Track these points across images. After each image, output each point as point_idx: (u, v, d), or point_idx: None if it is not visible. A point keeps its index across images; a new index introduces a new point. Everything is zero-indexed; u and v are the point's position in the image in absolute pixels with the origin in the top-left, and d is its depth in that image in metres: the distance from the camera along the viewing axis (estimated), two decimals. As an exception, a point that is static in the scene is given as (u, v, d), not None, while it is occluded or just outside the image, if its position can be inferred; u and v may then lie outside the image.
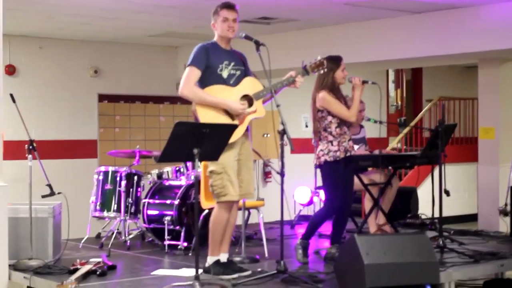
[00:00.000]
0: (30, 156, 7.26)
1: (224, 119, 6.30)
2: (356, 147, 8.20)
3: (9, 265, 6.99)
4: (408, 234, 7.50)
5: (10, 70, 11.66)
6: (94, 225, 9.05)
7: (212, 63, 6.35)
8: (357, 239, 5.91)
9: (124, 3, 9.18)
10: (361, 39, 10.65)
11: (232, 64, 6.45)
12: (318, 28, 11.00)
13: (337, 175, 7.27)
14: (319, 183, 8.88)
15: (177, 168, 8.77)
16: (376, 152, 9.00)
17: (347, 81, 7.52)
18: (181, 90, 6.36)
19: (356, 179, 8.27)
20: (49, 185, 7.26)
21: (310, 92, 7.42)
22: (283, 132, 6.34)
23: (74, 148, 12.21)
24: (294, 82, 6.55)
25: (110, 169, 8.74)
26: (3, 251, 6.85)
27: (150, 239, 8.66)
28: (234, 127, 6.15)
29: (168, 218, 8.21)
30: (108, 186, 8.65)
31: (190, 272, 6.45)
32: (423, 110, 15.50)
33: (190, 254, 7.81)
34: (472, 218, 12.17)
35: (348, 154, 7.31)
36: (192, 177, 8.45)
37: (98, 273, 6.63)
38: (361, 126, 9.10)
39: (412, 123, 14.41)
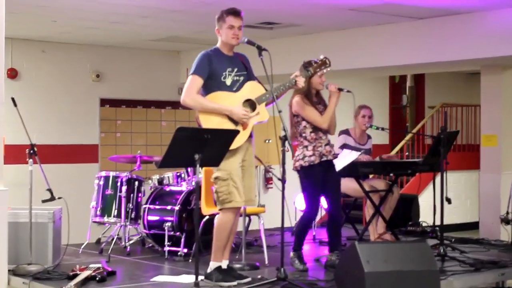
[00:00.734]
0: (30, 160, 7.23)
1: (228, 125, 6.27)
2: (356, 154, 8.16)
3: (8, 270, 6.95)
4: (409, 242, 7.47)
5: (12, 73, 11.64)
6: (94, 231, 9.02)
7: (215, 71, 6.33)
8: (358, 247, 5.88)
9: (126, 8, 9.17)
10: (364, 44, 10.63)
11: (235, 70, 6.42)
12: (321, 33, 10.99)
13: (312, 180, 7.23)
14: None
15: (178, 174, 8.75)
16: (377, 159, 9.01)
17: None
18: (183, 99, 6.33)
19: (357, 186, 8.27)
20: (50, 190, 7.23)
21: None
22: (284, 138, 6.31)
23: (75, 152, 12.19)
24: (296, 83, 6.53)
25: (111, 174, 8.72)
26: (3, 256, 6.83)
27: (150, 245, 8.64)
28: (236, 132, 6.12)
29: (168, 224, 8.18)
30: (109, 191, 8.62)
31: (190, 278, 6.41)
32: (426, 117, 15.49)
33: (190, 260, 7.78)
34: (474, 226, 12.14)
35: (324, 159, 7.24)
36: (193, 183, 8.43)
37: (97, 279, 6.60)
38: (369, 137, 9.06)
39: (414, 130, 14.39)
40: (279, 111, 6.24)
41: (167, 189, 8.72)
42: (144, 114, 12.91)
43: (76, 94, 12.26)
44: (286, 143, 6.31)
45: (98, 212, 8.63)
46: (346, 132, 8.71)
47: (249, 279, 6.48)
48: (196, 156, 5.83)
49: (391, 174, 8.72)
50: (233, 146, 6.16)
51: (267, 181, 13.33)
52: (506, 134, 10.47)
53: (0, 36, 6.68)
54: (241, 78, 6.44)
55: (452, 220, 13.56)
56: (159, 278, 6.89)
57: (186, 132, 5.88)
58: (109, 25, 10.38)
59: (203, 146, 5.84)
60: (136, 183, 8.67)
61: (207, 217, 7.78)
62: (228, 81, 6.38)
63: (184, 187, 8.59)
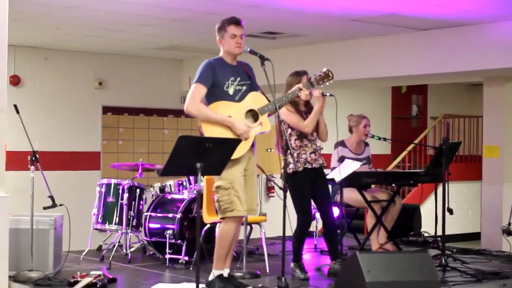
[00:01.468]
0: (32, 167, 7.24)
1: (230, 135, 6.27)
2: (358, 164, 8.16)
3: (9, 277, 6.93)
4: (410, 252, 7.46)
5: (15, 80, 11.67)
6: (96, 238, 9.02)
7: (218, 80, 6.33)
8: (359, 257, 5.87)
9: (129, 17, 9.19)
10: (366, 55, 10.65)
11: (238, 79, 6.42)
12: (323, 43, 11.01)
13: (297, 187, 7.23)
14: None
15: (180, 182, 8.75)
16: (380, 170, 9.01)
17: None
18: (187, 107, 6.34)
19: (359, 196, 8.26)
20: (51, 197, 7.23)
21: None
22: (286, 147, 6.32)
23: (77, 160, 12.20)
24: (299, 96, 6.56)
25: (113, 181, 8.72)
26: (3, 262, 6.80)
27: (151, 252, 8.63)
28: (238, 141, 6.11)
29: (169, 231, 8.18)
30: (110, 199, 8.63)
31: (191, 286, 6.42)
32: (428, 128, 15.49)
33: (191, 268, 7.78)
34: (475, 236, 12.13)
35: (309, 166, 7.23)
36: (195, 191, 8.43)
37: (98, 286, 6.59)
38: (366, 144, 9.06)
39: (416, 141, 14.39)
40: (281, 121, 6.26)
41: (169, 197, 8.72)
42: (146, 122, 12.92)
43: (78, 101, 12.28)
44: (288, 152, 6.31)
45: (99, 219, 8.63)
46: (341, 143, 8.69)
47: (250, 288, 6.48)
48: (198, 165, 5.81)
49: (393, 185, 8.73)
50: (235, 155, 6.16)
51: (269, 190, 13.33)
52: (508, 145, 10.47)
53: (3, 43, 6.69)
54: (244, 88, 6.45)
55: (454, 231, 13.55)
56: (160, 286, 6.87)
57: (188, 141, 5.87)
58: (112, 33, 10.40)
59: (205, 155, 5.83)
60: (138, 190, 8.68)
61: (208, 225, 7.78)
62: (231, 91, 6.38)
63: (185, 195, 8.58)
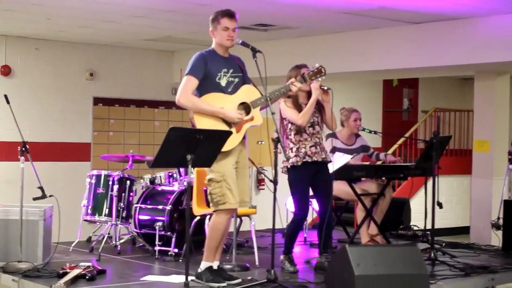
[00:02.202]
0: (22, 158, 7.22)
1: (222, 127, 6.27)
2: (349, 157, 8.18)
3: (-2, 267, 6.96)
4: (399, 246, 7.47)
5: (6, 70, 11.63)
6: (85, 229, 9.02)
7: (210, 72, 6.33)
8: (348, 250, 5.88)
9: (121, 7, 9.16)
10: (358, 48, 10.64)
11: (231, 71, 6.42)
12: (316, 36, 11.00)
13: (297, 181, 7.25)
14: (312, 192, 8.87)
15: (170, 174, 8.75)
16: (382, 154, 9.04)
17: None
18: (178, 99, 6.33)
19: (349, 189, 8.27)
20: (41, 188, 7.22)
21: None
22: (277, 140, 6.32)
23: (67, 151, 12.17)
24: (290, 89, 6.56)
25: (103, 173, 8.72)
26: (-7, 252, 6.82)
27: (141, 244, 8.63)
28: (228, 133, 6.12)
29: (159, 223, 8.18)
30: (100, 190, 8.62)
31: (180, 278, 6.42)
32: (419, 121, 15.52)
33: (180, 260, 7.78)
34: (465, 230, 12.16)
35: (308, 160, 7.23)
36: (185, 183, 8.42)
37: (87, 277, 6.58)
38: (357, 136, 9.06)
39: (407, 134, 14.41)
40: (272, 113, 6.25)
41: (159, 188, 8.72)
42: (137, 114, 12.90)
43: (69, 92, 12.24)
44: (279, 145, 6.32)
45: (89, 211, 8.62)
46: (333, 135, 8.70)
47: (239, 280, 6.47)
48: (188, 157, 5.83)
49: (383, 178, 8.74)
50: (226, 148, 6.17)
51: (259, 182, 13.34)
52: (498, 140, 10.48)
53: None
54: (236, 80, 6.45)
55: (443, 225, 13.57)
56: (149, 278, 6.88)
57: (179, 132, 5.88)
58: (103, 24, 10.37)
59: (196, 147, 5.84)
60: (128, 182, 8.68)
61: (198, 217, 7.78)
62: (223, 82, 6.38)
63: (176, 187, 8.58)
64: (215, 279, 6.35)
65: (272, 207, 6.34)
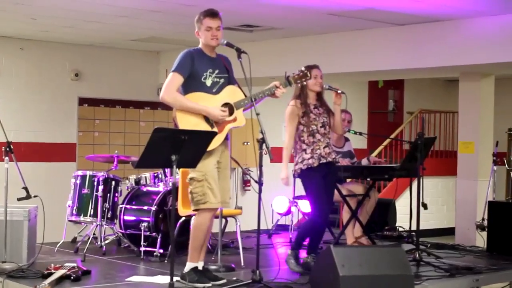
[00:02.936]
0: (6, 158, 7.20)
1: (204, 126, 6.28)
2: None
3: (-18, 268, 6.92)
4: (384, 247, 7.49)
5: (-10, 70, 11.59)
6: (70, 229, 9.00)
7: (196, 71, 6.33)
8: (333, 250, 5.90)
9: (106, 7, 9.14)
10: (343, 49, 10.65)
11: (216, 72, 6.43)
12: (301, 37, 11.00)
13: (312, 182, 7.22)
14: (298, 192, 8.89)
15: (155, 174, 8.74)
16: (364, 159, 9.04)
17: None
18: (162, 96, 6.33)
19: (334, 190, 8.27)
20: (25, 188, 7.19)
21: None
22: (262, 141, 6.33)
23: (52, 151, 12.13)
24: (274, 93, 6.53)
25: (88, 173, 8.70)
26: (-23, 253, 6.79)
27: (126, 245, 8.62)
28: (213, 134, 6.12)
29: (144, 224, 8.17)
30: (85, 191, 8.60)
31: (165, 279, 6.41)
32: (404, 123, 15.55)
33: (165, 261, 7.77)
34: (450, 231, 12.19)
35: (323, 161, 7.24)
36: (170, 184, 8.41)
37: (72, 278, 6.57)
38: (346, 139, 9.08)
39: (393, 135, 14.44)
40: (257, 114, 6.25)
41: (144, 189, 8.71)
42: (123, 114, 12.87)
43: (54, 92, 12.20)
44: (264, 145, 6.32)
45: (74, 211, 8.61)
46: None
47: (224, 281, 6.47)
48: (173, 157, 5.82)
49: (368, 179, 8.75)
50: (208, 148, 6.16)
51: (245, 183, 13.33)
52: (483, 141, 10.51)
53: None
54: (222, 80, 6.45)
55: (429, 226, 13.62)
56: (134, 278, 6.87)
57: (163, 133, 5.87)
58: (88, 24, 10.34)
59: (180, 147, 5.83)
60: (113, 182, 8.66)
61: (183, 218, 7.77)
62: (209, 82, 6.38)
63: (161, 187, 8.58)
64: (200, 280, 6.35)
65: (257, 208, 6.35)
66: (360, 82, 15.69)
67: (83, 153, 11.84)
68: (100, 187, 8.51)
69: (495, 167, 10.04)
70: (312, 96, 7.37)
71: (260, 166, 6.39)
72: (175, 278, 5.94)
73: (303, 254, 7.46)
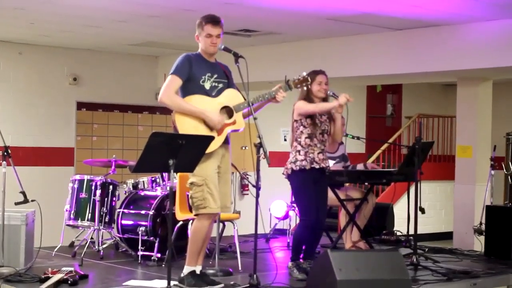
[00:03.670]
0: (4, 162, 7.20)
1: (203, 129, 6.28)
2: (331, 162, 8.19)
3: (-20, 272, 6.92)
4: (381, 251, 7.48)
5: (-12, 75, 11.58)
6: (68, 234, 9.00)
7: (194, 74, 6.34)
8: (331, 255, 5.90)
9: (105, 12, 9.14)
10: (342, 54, 10.66)
11: (215, 76, 6.44)
12: (299, 42, 11.01)
13: (305, 186, 7.20)
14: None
15: (153, 179, 8.74)
16: (360, 165, 9.04)
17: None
18: (161, 97, 6.34)
19: (332, 194, 8.28)
20: (23, 192, 7.20)
21: (291, 106, 7.40)
22: (259, 145, 6.33)
23: (50, 155, 12.12)
24: (275, 97, 6.51)
25: (86, 177, 8.70)
26: (-26, 257, 6.79)
27: (124, 249, 8.62)
28: (211, 138, 6.12)
29: (142, 228, 8.18)
30: (83, 195, 8.60)
31: (162, 283, 6.40)
32: (402, 127, 15.55)
33: (163, 265, 7.77)
34: (448, 236, 12.18)
35: (316, 166, 7.20)
36: (168, 188, 8.41)
37: (69, 282, 6.57)
38: (340, 143, 9.08)
39: (390, 140, 14.43)
40: (255, 119, 6.25)
41: (142, 193, 8.72)
42: (121, 119, 12.87)
43: (52, 97, 12.20)
44: (261, 150, 6.32)
45: (72, 216, 8.60)
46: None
47: (221, 285, 6.49)
48: (171, 162, 5.82)
49: (366, 183, 8.76)
50: (207, 150, 6.15)
51: (243, 187, 13.33)
52: (480, 145, 10.52)
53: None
54: (221, 85, 6.46)
55: (427, 230, 13.62)
56: (132, 283, 6.87)
57: (161, 137, 5.87)
58: (87, 29, 10.34)
59: (178, 152, 5.83)
60: (111, 187, 8.66)
61: (181, 222, 7.77)
62: (207, 86, 6.39)
63: (158, 192, 8.58)
64: (197, 284, 6.36)
65: (255, 212, 6.35)
66: (358, 87, 15.69)
67: (81, 157, 11.84)
68: (98, 191, 8.52)
69: (492, 172, 10.05)
70: (317, 101, 7.36)
71: (258, 170, 6.39)
72: (172, 282, 5.95)
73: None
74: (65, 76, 12.32)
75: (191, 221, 7.31)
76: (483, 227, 9.14)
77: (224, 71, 6.56)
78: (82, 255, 8.05)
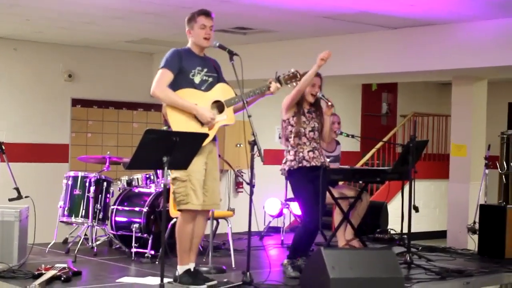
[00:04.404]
0: (-2, 158, 7.20)
1: (194, 124, 6.27)
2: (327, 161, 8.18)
3: (-27, 268, 6.91)
4: (375, 250, 7.51)
5: (-17, 71, 11.57)
6: (62, 230, 8.99)
7: (184, 68, 6.34)
8: (324, 253, 5.90)
9: (100, 9, 9.14)
10: (337, 52, 10.55)
11: (205, 70, 6.43)
12: (295, 40, 11.01)
13: (299, 185, 7.18)
14: (290, 194, 8.88)
15: (147, 175, 8.74)
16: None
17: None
18: (153, 90, 6.34)
19: (326, 193, 8.28)
20: (17, 189, 7.19)
21: (285, 104, 7.39)
22: (253, 143, 6.33)
23: (45, 152, 12.12)
24: (269, 88, 6.51)
25: (80, 174, 8.69)
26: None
27: (118, 246, 8.61)
28: (205, 136, 6.11)
29: (136, 225, 8.17)
30: (77, 191, 8.59)
31: (156, 280, 6.41)
32: (397, 126, 15.57)
33: (156, 262, 7.77)
34: (442, 234, 12.21)
35: (306, 164, 7.15)
36: (162, 185, 8.41)
37: (62, 279, 6.56)
38: (337, 143, 9.09)
39: (385, 138, 14.45)
40: (249, 116, 6.25)
41: (136, 190, 8.71)
42: (116, 115, 12.86)
43: (47, 93, 12.19)
44: (255, 147, 6.32)
45: (65, 212, 8.59)
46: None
47: (215, 282, 6.47)
48: (165, 159, 5.81)
49: (360, 182, 8.76)
50: (199, 148, 6.14)
51: (237, 185, 13.32)
52: (475, 144, 10.54)
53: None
54: (210, 79, 6.45)
55: (421, 228, 13.64)
56: (125, 280, 6.87)
57: (155, 135, 5.86)
58: (82, 25, 10.33)
59: (172, 149, 5.82)
60: (105, 183, 8.66)
61: (174, 219, 7.75)
62: (197, 79, 6.38)
63: (152, 189, 8.58)
64: (195, 282, 6.33)
65: (248, 210, 6.35)
66: (354, 85, 15.71)
67: (75, 154, 11.82)
68: (92, 188, 8.51)
69: (487, 171, 10.06)
70: (307, 103, 7.33)
71: (252, 168, 6.39)
72: (165, 280, 5.94)
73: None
74: (60, 72, 12.32)
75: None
76: (477, 226, 9.16)
77: (213, 65, 6.55)
78: (76, 252, 8.04)
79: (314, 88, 7.30)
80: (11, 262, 7.18)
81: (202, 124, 6.29)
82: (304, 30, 10.36)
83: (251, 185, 6.33)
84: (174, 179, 6.29)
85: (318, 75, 7.34)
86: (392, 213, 10.74)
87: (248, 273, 6.38)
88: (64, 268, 6.72)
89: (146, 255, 8.00)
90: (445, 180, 11.56)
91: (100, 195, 8.58)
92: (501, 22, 9.09)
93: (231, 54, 6.41)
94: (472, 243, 9.48)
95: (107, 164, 8.90)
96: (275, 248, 9.38)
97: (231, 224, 7.96)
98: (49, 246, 8.50)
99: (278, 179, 7.48)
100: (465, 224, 9.94)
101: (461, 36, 9.49)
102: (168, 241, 7.34)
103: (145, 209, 8.25)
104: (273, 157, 8.13)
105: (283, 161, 7.26)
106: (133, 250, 8.08)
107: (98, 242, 8.53)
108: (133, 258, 8.02)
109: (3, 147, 7.27)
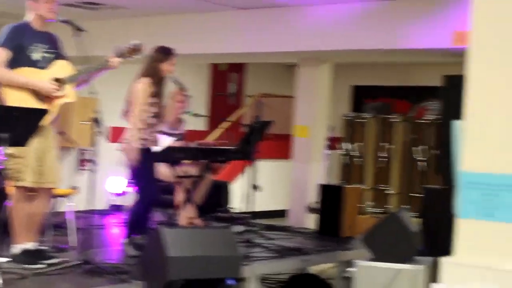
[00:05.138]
0: None
1: (33, 102, 6.11)
2: (171, 139, 8.21)
3: None
4: (213, 228, 7.60)
5: None
6: None
7: (23, 44, 6.15)
8: (163, 231, 5.92)
9: None
10: (186, 31, 10.67)
11: (46, 47, 6.27)
12: (145, 17, 10.94)
13: (145, 165, 7.20)
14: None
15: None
16: (193, 144, 9.09)
17: None
18: (-12, 71, 6.12)
19: (169, 170, 8.31)
20: None
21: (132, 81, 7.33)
22: (97, 120, 6.27)
23: None
24: (108, 63, 6.44)
25: None
26: None
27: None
28: (45, 112, 5.98)
29: (-28, 203, 7.92)
30: None
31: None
32: (244, 106, 15.73)
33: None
34: (284, 213, 12.48)
35: (151, 145, 7.27)
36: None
37: None
38: (181, 121, 9.12)
39: (233, 118, 14.59)
40: (93, 93, 6.17)
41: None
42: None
43: None
44: (100, 125, 6.27)
45: None
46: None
47: (55, 260, 6.35)
48: (3, 136, 5.67)
49: (204, 160, 8.83)
50: (41, 124, 6.02)
51: (81, 163, 13.12)
52: (317, 126, 10.80)
53: None
54: (51, 56, 6.30)
55: (264, 208, 13.83)
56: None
57: (-6, 110, 5.71)
58: None
59: (12, 125, 5.68)
60: None
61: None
62: (36, 56, 6.21)
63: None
64: (32, 261, 6.18)
65: (92, 188, 6.31)
66: (202, 65, 15.75)
67: None
68: None
69: (329, 152, 10.34)
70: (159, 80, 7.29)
71: (95, 145, 6.33)
72: (1, 259, 5.81)
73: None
74: None
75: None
76: (317, 205, 9.40)
77: (54, 41, 6.40)
78: None
79: (173, 67, 7.30)
80: None
81: (42, 101, 6.14)
82: (155, 7, 10.30)
83: (94, 162, 6.27)
84: (9, 155, 6.12)
85: (176, 54, 7.31)
86: (236, 193, 10.88)
87: (88, 252, 6.33)
88: None
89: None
90: (289, 160, 11.81)
91: None
92: (346, 6, 9.31)
93: (78, 29, 6.28)
94: (312, 222, 9.73)
95: None
96: (118, 227, 9.34)
97: (73, 202, 7.86)
98: None
99: (122, 157, 7.43)
100: (306, 203, 10.20)
101: (308, 19, 9.67)
102: (5, 220, 7.17)
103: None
104: (118, 134, 8.03)
105: (132, 138, 7.23)
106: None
107: None
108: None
109: None
